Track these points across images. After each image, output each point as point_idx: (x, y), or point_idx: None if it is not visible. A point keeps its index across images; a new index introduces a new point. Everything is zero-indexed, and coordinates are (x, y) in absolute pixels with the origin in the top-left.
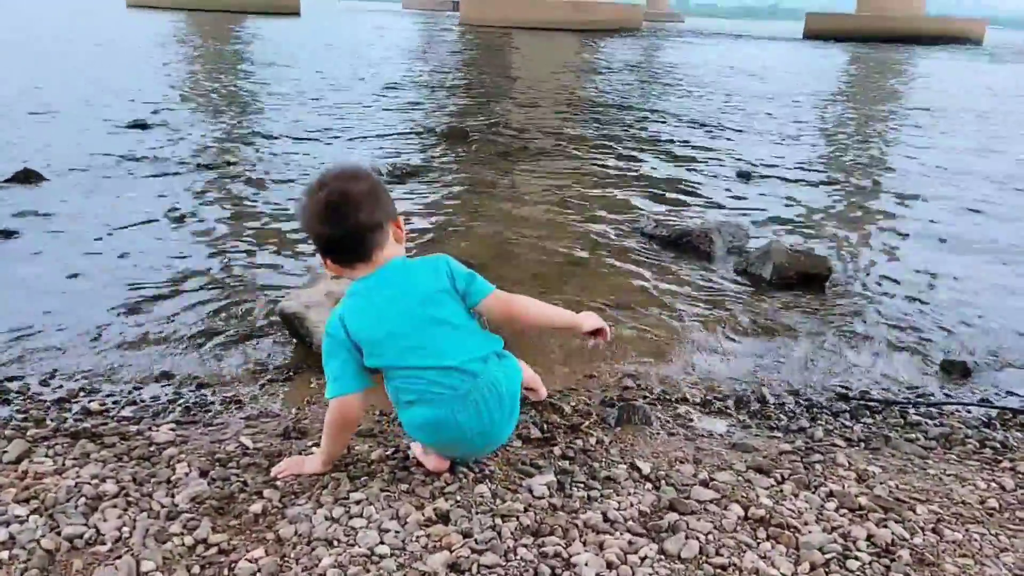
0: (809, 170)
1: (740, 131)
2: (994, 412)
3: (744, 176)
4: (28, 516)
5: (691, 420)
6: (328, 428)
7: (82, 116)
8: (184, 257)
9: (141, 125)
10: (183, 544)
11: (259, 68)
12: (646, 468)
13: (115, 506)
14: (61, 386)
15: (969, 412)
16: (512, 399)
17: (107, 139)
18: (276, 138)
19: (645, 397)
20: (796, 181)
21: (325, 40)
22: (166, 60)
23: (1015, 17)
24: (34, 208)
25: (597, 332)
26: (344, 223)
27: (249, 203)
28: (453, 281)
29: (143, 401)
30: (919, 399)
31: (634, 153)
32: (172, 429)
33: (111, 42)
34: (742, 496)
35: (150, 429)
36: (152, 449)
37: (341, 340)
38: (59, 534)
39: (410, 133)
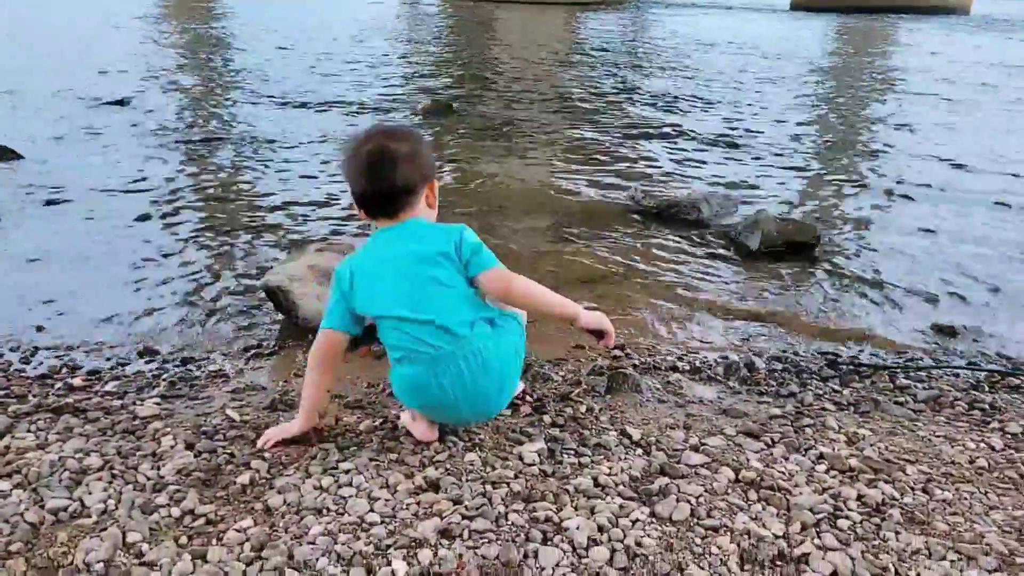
0: (796, 140)
1: (727, 103)
2: (982, 375)
3: (731, 146)
4: (11, 490)
5: (681, 388)
6: (311, 360)
7: (59, 93)
8: (166, 231)
9: (120, 101)
10: (170, 515)
11: (238, 45)
12: (636, 434)
13: (100, 479)
14: (43, 363)
15: (958, 375)
16: (502, 369)
17: (86, 115)
18: (257, 115)
19: (635, 366)
20: (783, 151)
21: (301, 16)
22: (144, 38)
23: None
24: (10, 184)
25: (601, 334)
26: (380, 181)
27: (232, 177)
28: (459, 248)
29: (127, 376)
30: (908, 363)
31: (621, 126)
32: (157, 403)
33: (88, 19)
34: (732, 460)
35: (134, 403)
36: (137, 423)
37: (341, 283)
38: (43, 507)
39: (393, 107)
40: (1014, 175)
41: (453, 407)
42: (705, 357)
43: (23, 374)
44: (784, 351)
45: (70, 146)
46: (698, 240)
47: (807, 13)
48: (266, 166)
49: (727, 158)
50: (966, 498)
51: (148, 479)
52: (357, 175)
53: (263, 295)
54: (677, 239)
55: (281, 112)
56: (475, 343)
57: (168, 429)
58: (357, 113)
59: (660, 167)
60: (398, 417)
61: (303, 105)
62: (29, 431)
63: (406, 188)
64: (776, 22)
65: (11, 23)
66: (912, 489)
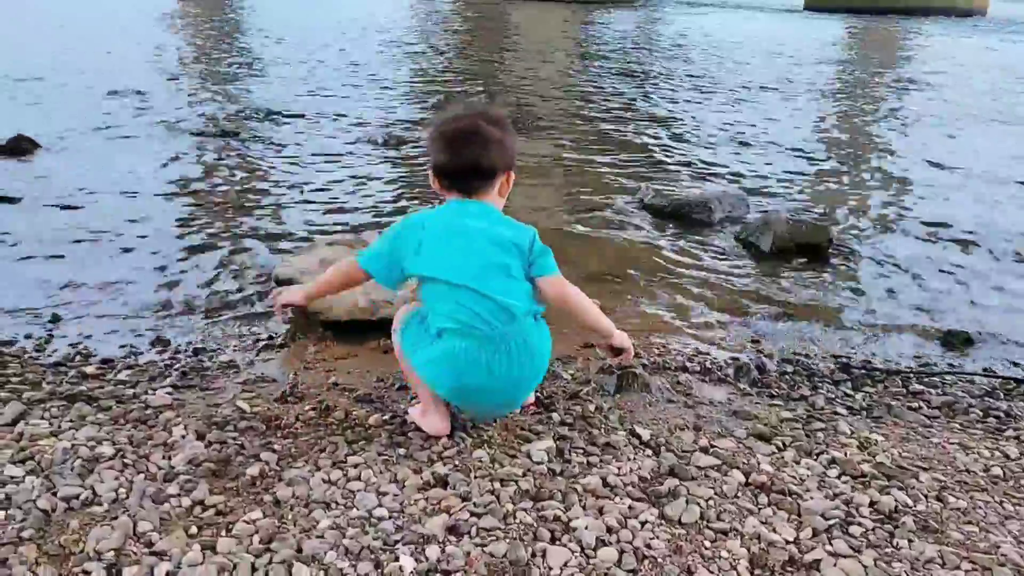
0: (808, 141)
1: (739, 102)
2: (997, 382)
3: (743, 145)
4: (24, 477)
5: (691, 388)
6: (336, 273)
7: (78, 85)
8: (180, 224)
9: (137, 92)
10: (180, 505)
11: (254, 40)
12: (646, 435)
13: (111, 468)
14: (57, 350)
15: (973, 382)
16: (540, 362)
17: (104, 106)
18: (273, 108)
19: (644, 366)
20: (795, 151)
21: (315, 12)
22: (163, 31)
23: None
24: (29, 174)
25: (621, 352)
26: (463, 158)
27: (245, 171)
28: (532, 245)
29: (139, 366)
30: (922, 369)
31: (632, 124)
32: (169, 393)
33: (112, 13)
34: (743, 462)
35: (147, 393)
36: (149, 412)
37: (403, 239)
38: (55, 495)
39: (406, 102)
40: None
41: (489, 393)
42: (715, 358)
43: (37, 361)
44: (796, 353)
45: (87, 138)
46: (709, 240)
47: (821, 13)
48: (279, 160)
49: (738, 158)
50: (981, 507)
51: (159, 468)
52: (444, 147)
53: (275, 287)
54: (688, 239)
55: (297, 107)
56: (527, 330)
57: (179, 419)
58: (373, 108)
59: (671, 166)
60: (406, 412)
61: (322, 95)
62: (43, 418)
63: (489, 170)
64: (790, 22)
65: (34, 16)
66: (926, 497)
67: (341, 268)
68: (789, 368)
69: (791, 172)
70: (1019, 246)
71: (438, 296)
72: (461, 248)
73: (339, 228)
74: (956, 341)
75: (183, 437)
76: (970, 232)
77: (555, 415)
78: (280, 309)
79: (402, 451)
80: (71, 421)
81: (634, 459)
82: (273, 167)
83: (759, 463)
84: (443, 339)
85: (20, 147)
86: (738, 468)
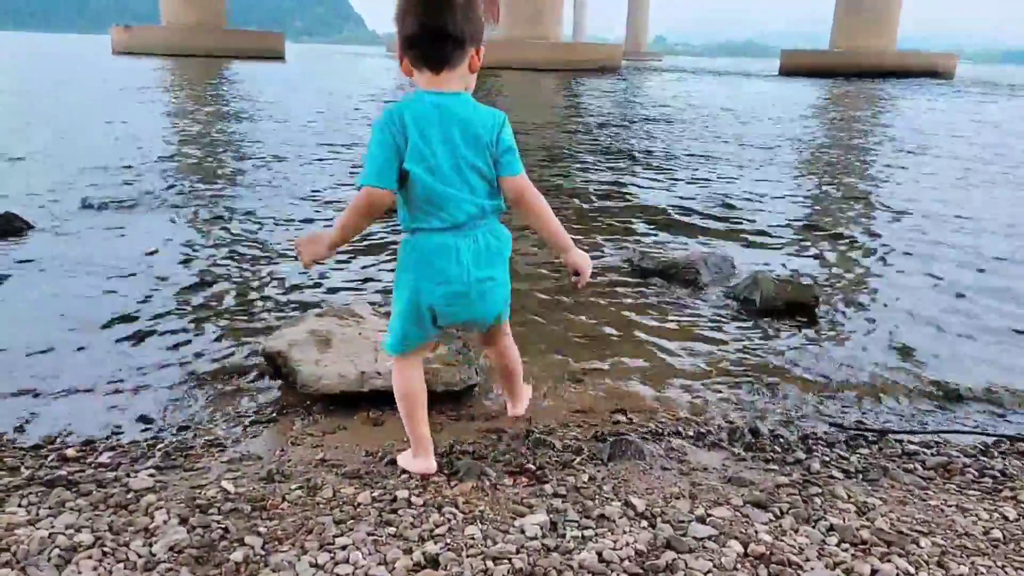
0: (791, 201)
1: (722, 164)
2: (990, 440)
3: (727, 207)
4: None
5: (685, 454)
6: (353, 210)
7: (67, 162)
8: (165, 297)
9: (127, 167)
10: None
11: (246, 113)
12: (640, 505)
13: (90, 557)
14: (37, 432)
15: (965, 440)
16: (503, 256)
17: (92, 184)
18: (261, 180)
19: (636, 431)
20: (779, 211)
21: (309, 83)
22: (153, 107)
23: (980, 51)
24: (14, 252)
25: (579, 272)
26: (433, 21)
27: (232, 244)
28: (497, 141)
29: (121, 446)
30: (915, 428)
31: (618, 186)
32: (151, 475)
33: (98, 89)
34: (741, 532)
35: (128, 475)
36: (130, 496)
37: (394, 135)
38: None
39: None
40: (1010, 226)
41: (463, 282)
42: (708, 421)
43: (16, 444)
44: (788, 414)
45: (76, 213)
46: (698, 301)
47: (796, 77)
48: (268, 233)
49: (724, 219)
50: (983, 572)
51: (140, 556)
52: (410, 12)
53: (262, 361)
54: (676, 301)
55: (286, 178)
56: (492, 222)
57: (162, 503)
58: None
59: (657, 228)
60: (393, 462)
61: (308, 164)
62: (20, 505)
63: (458, 35)
64: (767, 85)
65: (33, 91)
66: (927, 563)
67: (359, 204)
68: (783, 430)
69: (776, 231)
70: (1003, 299)
71: (416, 193)
72: (439, 145)
73: (326, 299)
74: (947, 397)
75: (165, 522)
76: (958, 287)
77: (548, 487)
78: (309, 265)
79: (392, 530)
80: (50, 508)
81: (629, 531)
82: (261, 240)
83: (757, 532)
84: (420, 236)
85: (12, 227)
86: (736, 538)
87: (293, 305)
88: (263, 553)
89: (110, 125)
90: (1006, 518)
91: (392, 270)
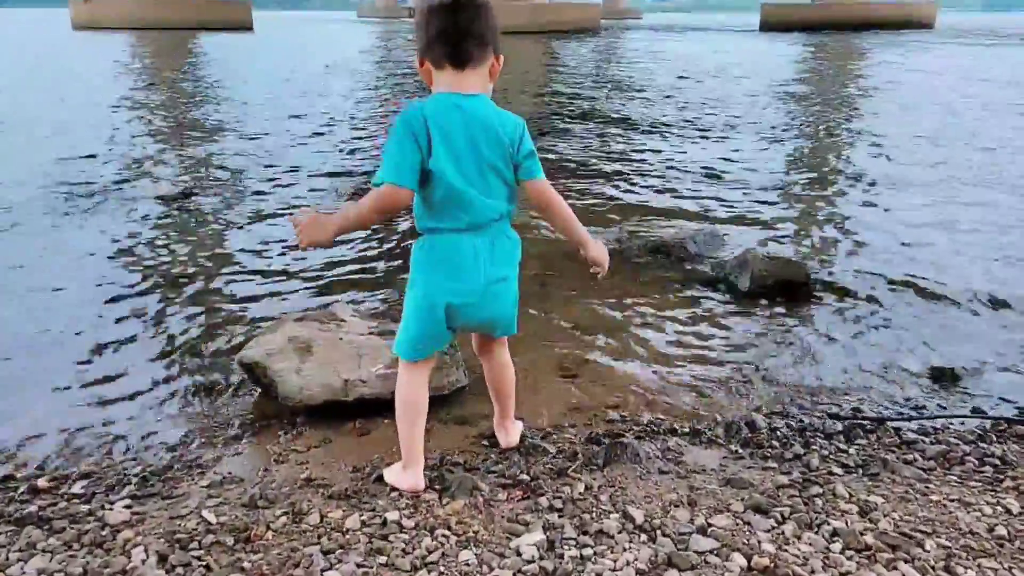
0: (780, 169)
1: (707, 131)
2: (988, 424)
3: (714, 178)
4: None
5: (681, 454)
6: (370, 205)
7: (29, 148)
8: (136, 300)
9: (91, 156)
10: None
11: (216, 91)
12: (639, 517)
13: None
14: (4, 460)
15: (963, 424)
16: (514, 262)
17: (57, 171)
18: (239, 166)
19: (631, 430)
20: (767, 182)
21: (279, 53)
22: (117, 85)
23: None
24: None
25: (598, 264)
26: (459, 22)
27: (207, 241)
28: (518, 145)
29: (95, 473)
30: (912, 413)
31: (601, 160)
32: (127, 506)
33: (60, 69)
34: (743, 543)
35: (103, 507)
36: (105, 533)
37: (417, 134)
38: None
39: (375, 149)
40: (1005, 196)
41: (479, 282)
42: (703, 414)
43: None
44: (783, 403)
45: (39, 206)
46: (687, 282)
47: (776, 32)
48: (244, 227)
49: (711, 191)
50: None
51: None
52: (436, 13)
53: (240, 372)
54: (665, 283)
55: (264, 159)
56: (505, 224)
57: (139, 538)
58: (342, 152)
59: (644, 203)
60: (381, 478)
61: (287, 146)
62: None
63: (481, 37)
64: (749, 42)
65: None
66: (933, 568)
67: (378, 201)
68: (779, 422)
69: (765, 204)
70: (999, 275)
71: (437, 193)
72: (461, 146)
73: (306, 305)
74: (943, 378)
75: (143, 561)
76: (949, 258)
77: (543, 499)
78: (306, 248)
79: (382, 559)
80: (20, 551)
81: (629, 548)
82: (232, 233)
83: (760, 542)
84: (438, 236)
85: None
86: (739, 550)
87: (270, 305)
88: None
89: (73, 110)
90: (1009, 512)
91: (373, 264)
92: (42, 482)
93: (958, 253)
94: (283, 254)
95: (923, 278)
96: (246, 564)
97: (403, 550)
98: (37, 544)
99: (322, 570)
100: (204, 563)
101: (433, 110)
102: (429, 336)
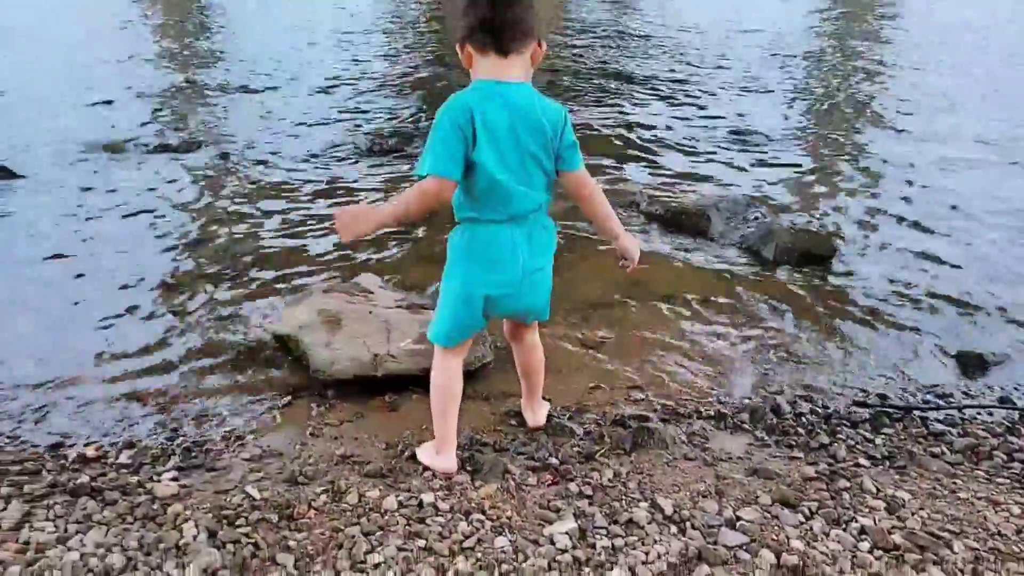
0: (806, 136)
1: (732, 92)
2: (1016, 415)
3: (738, 141)
4: None
5: (707, 440)
6: (418, 198)
7: (46, 102)
8: (166, 269)
9: (106, 101)
10: None
11: (228, 46)
12: (668, 507)
13: None
14: (53, 429)
15: (991, 415)
16: (550, 248)
17: (76, 128)
18: (263, 119)
19: (656, 411)
20: (792, 148)
21: (286, 13)
22: (132, 41)
23: None
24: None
25: (628, 257)
26: (504, 10)
27: (231, 200)
28: (560, 135)
29: (139, 442)
30: (939, 401)
31: (621, 122)
32: (174, 478)
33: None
34: (772, 539)
35: (151, 479)
36: (156, 507)
37: (461, 125)
38: None
39: (386, 101)
40: None
41: (518, 272)
42: (727, 396)
43: (34, 443)
44: (808, 387)
45: (61, 165)
46: (710, 251)
47: None
48: (269, 186)
49: (735, 157)
50: None
51: None
52: (479, 2)
53: (269, 339)
54: (687, 252)
55: (284, 115)
56: (543, 214)
57: (188, 513)
58: (356, 112)
59: (665, 167)
60: (413, 456)
61: (307, 100)
62: (48, 519)
63: (524, 25)
64: None
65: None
66: (962, 572)
67: (426, 193)
68: (805, 407)
69: (790, 172)
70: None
71: (480, 185)
72: (504, 137)
73: (331, 274)
74: (970, 363)
75: (195, 537)
76: (980, 232)
77: (573, 485)
78: (349, 243)
79: (421, 542)
80: (78, 523)
81: (660, 539)
82: (255, 192)
83: (788, 538)
84: (478, 226)
85: None
86: (768, 547)
87: (300, 272)
88: (295, 572)
89: (87, 59)
90: None
91: (383, 240)
92: (90, 451)
93: (999, 232)
94: (306, 214)
95: (957, 261)
96: (291, 543)
97: (440, 534)
98: (93, 516)
99: (365, 552)
100: (252, 540)
101: (478, 100)
102: (465, 325)
